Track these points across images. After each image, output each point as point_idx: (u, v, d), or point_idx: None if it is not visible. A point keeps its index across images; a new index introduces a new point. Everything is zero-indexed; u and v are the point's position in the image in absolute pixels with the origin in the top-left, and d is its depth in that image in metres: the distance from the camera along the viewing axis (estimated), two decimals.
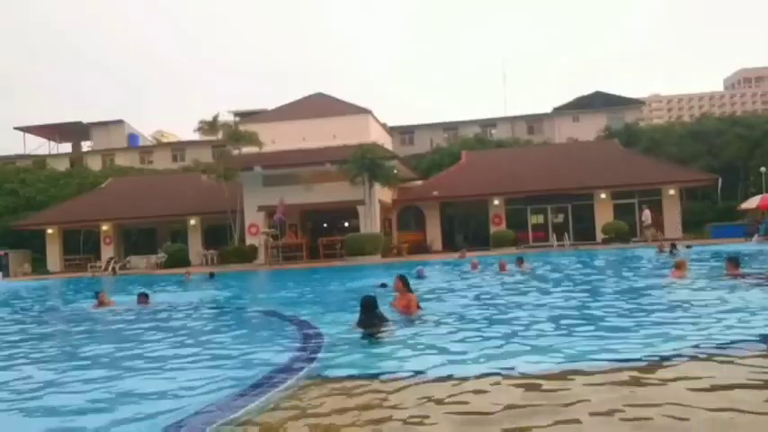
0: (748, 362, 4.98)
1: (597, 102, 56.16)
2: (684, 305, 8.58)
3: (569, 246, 29.94)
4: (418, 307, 8.60)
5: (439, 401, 4.26)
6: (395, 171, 31.61)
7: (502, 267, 16.22)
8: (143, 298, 12.73)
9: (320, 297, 13.36)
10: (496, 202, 34.15)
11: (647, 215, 30.88)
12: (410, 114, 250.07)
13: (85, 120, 60.06)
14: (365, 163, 28.49)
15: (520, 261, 16.98)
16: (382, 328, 7.25)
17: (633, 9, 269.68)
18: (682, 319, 7.49)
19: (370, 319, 7.33)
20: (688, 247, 19.83)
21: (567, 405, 3.97)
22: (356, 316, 7.52)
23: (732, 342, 5.79)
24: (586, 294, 10.90)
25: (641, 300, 9.55)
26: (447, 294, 11.77)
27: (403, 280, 8.79)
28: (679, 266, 12.16)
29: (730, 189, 38.05)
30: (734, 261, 11.64)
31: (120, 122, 61.38)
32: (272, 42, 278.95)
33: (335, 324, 8.30)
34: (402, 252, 31.77)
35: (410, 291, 8.79)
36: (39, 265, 38.19)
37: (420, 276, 13.72)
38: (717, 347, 5.56)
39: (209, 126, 32.56)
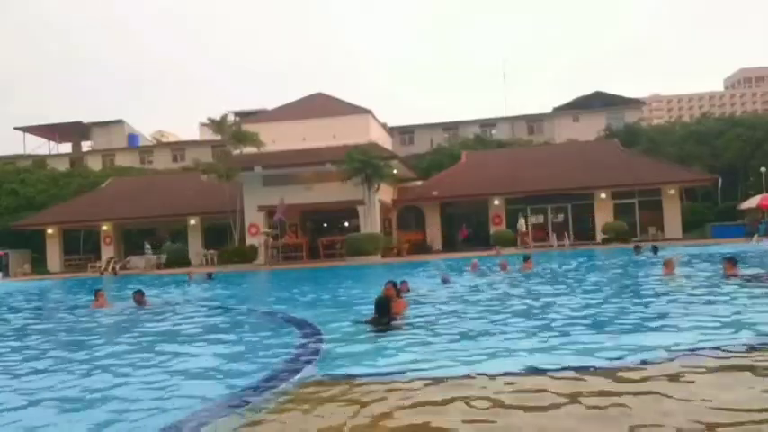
0: (746, 361, 4.98)
1: (597, 102, 56.15)
2: (680, 304, 8.61)
3: (569, 246, 29.95)
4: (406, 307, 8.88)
5: (439, 402, 4.26)
6: (394, 171, 31.62)
7: (503, 267, 16.24)
8: (139, 296, 12.68)
9: (320, 297, 13.35)
10: (496, 202, 34.16)
11: (521, 224, 31.45)
12: (410, 114, 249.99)
13: (85, 120, 60.16)
14: (362, 162, 28.45)
15: (526, 260, 17.11)
16: (390, 328, 7.35)
17: (633, 9, 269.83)
18: (679, 317, 7.48)
19: (381, 318, 7.48)
20: (655, 249, 20.04)
21: (565, 405, 3.98)
22: (354, 316, 7.57)
23: (729, 341, 5.79)
24: (584, 293, 10.90)
25: (639, 298, 9.56)
26: (459, 295, 11.73)
27: (395, 286, 9.05)
28: (667, 265, 12.54)
29: (730, 189, 38.08)
30: (732, 261, 11.67)
31: (120, 122, 61.38)
32: (272, 42, 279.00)
33: (336, 324, 8.31)
34: (402, 252, 31.76)
35: (399, 296, 8.98)
36: (39, 265, 38.19)
37: (445, 281, 13.73)
38: (713, 347, 5.56)
39: (217, 125, 32.62)
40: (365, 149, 29.26)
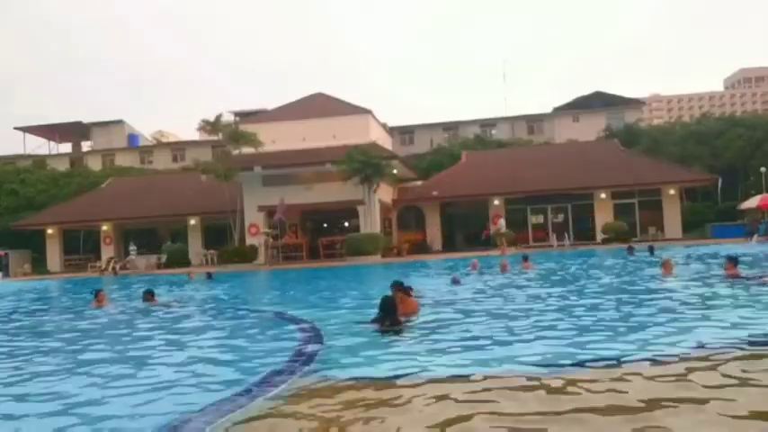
0: (745, 361, 4.98)
1: (597, 102, 56.12)
2: (679, 304, 8.61)
3: (569, 246, 29.94)
4: (417, 309, 8.66)
5: (440, 402, 4.25)
6: (395, 171, 31.57)
7: (503, 268, 16.23)
8: (149, 296, 12.68)
9: (321, 297, 13.35)
10: (496, 202, 34.15)
11: (502, 223, 31.57)
12: (410, 114, 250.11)
13: (85, 120, 60.12)
14: (361, 162, 28.42)
15: (525, 259, 17.18)
16: (394, 329, 7.31)
17: (633, 9, 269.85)
18: (678, 318, 7.48)
19: (386, 318, 7.43)
20: (651, 248, 20.17)
21: (564, 405, 3.97)
22: (356, 316, 7.51)
23: (729, 342, 5.79)
24: (584, 294, 10.90)
25: (638, 299, 9.55)
26: (462, 297, 11.71)
27: (399, 287, 8.82)
28: (665, 265, 12.61)
29: (730, 189, 38.07)
30: (733, 260, 11.66)
31: (120, 122, 61.36)
32: (272, 42, 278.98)
33: (336, 324, 8.30)
34: (402, 252, 31.75)
35: (409, 295, 8.81)
36: (39, 265, 38.19)
37: (455, 282, 13.57)
38: (713, 347, 5.56)
39: (212, 126, 32.64)
40: (364, 150, 29.24)
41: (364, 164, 28.49)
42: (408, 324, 7.72)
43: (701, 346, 5.67)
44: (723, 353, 5.31)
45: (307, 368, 5.53)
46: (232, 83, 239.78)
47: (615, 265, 17.92)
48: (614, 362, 5.19)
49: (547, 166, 35.38)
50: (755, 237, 27.25)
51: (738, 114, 73.22)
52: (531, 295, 11.05)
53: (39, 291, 22.36)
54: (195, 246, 36.09)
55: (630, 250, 20.63)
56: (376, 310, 7.70)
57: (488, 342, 6.54)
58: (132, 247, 34.13)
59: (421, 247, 33.70)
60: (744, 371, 4.65)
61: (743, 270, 11.92)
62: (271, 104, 46.74)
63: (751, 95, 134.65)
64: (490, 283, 13.68)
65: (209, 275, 21.44)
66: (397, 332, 7.25)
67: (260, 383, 5.04)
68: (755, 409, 3.75)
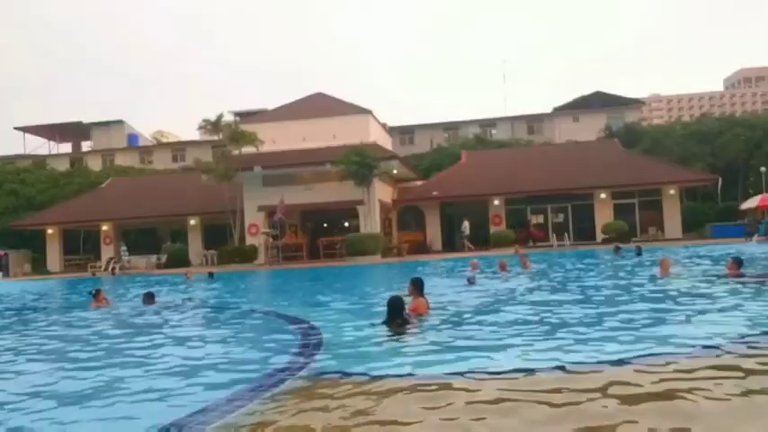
0: (745, 362, 4.97)
1: (597, 102, 56.10)
2: (679, 305, 8.60)
3: (569, 246, 29.92)
4: (428, 309, 8.63)
5: (441, 402, 4.25)
6: (395, 171, 31.51)
7: (502, 267, 16.22)
8: (149, 298, 12.67)
9: (322, 297, 13.34)
10: (496, 202, 34.13)
11: (465, 225, 31.52)
12: (410, 114, 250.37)
13: (85, 120, 60.09)
14: (357, 163, 28.35)
15: (524, 258, 17.29)
16: (402, 329, 7.31)
17: (633, 9, 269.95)
18: (678, 319, 7.48)
19: (394, 319, 7.46)
20: (638, 249, 20.24)
21: (565, 405, 3.97)
22: (348, 315, 7.52)
23: (728, 342, 5.78)
24: (584, 294, 10.88)
25: (640, 300, 9.55)
26: (465, 296, 11.70)
27: (415, 284, 8.80)
28: (663, 266, 12.60)
29: (730, 189, 38.04)
30: (737, 261, 11.64)
31: (120, 122, 61.33)
32: (272, 42, 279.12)
33: (336, 323, 8.29)
34: (402, 252, 31.74)
35: (422, 295, 8.78)
36: (39, 266, 38.15)
37: (471, 282, 13.50)
38: (713, 347, 5.55)
39: (213, 126, 32.62)
40: (361, 150, 29.14)
41: (359, 164, 28.43)
42: (418, 324, 7.72)
43: (701, 347, 5.67)
44: (723, 354, 5.31)
45: (307, 368, 5.52)
46: (232, 83, 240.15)
47: (613, 265, 17.92)
48: (615, 363, 5.19)
49: (547, 166, 35.35)
50: (755, 237, 27.25)
51: (738, 114, 73.23)
52: (532, 295, 11.04)
53: (38, 291, 22.34)
54: (195, 246, 36.06)
55: (617, 250, 20.73)
56: (378, 310, 7.70)
57: (493, 343, 6.54)
58: (123, 248, 34.13)
59: (421, 248, 33.68)
60: (744, 372, 4.65)
61: (744, 271, 11.88)
62: (271, 104, 46.71)
63: (751, 95, 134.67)
64: (492, 283, 13.68)
65: (211, 275, 21.45)
66: (404, 333, 7.25)
67: (260, 383, 5.04)
68: (756, 411, 3.75)
